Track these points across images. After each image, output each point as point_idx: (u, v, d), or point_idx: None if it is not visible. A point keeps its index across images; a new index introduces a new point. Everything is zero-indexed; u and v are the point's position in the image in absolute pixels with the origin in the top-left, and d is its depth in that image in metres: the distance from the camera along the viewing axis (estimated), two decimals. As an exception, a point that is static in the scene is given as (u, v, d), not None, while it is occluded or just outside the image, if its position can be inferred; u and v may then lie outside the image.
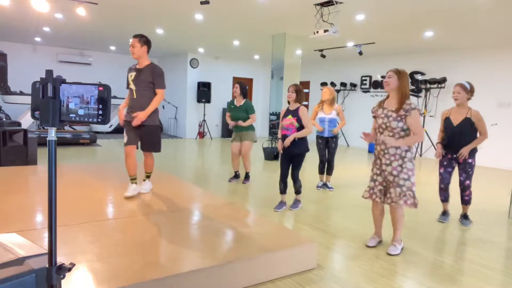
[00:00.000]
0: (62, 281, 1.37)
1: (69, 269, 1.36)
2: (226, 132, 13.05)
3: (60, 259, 2.29)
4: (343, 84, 11.92)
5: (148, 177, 4.27)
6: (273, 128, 9.42)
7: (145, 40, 3.89)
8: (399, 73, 3.15)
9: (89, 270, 2.22)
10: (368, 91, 11.40)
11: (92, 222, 3.11)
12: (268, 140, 9.71)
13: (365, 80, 11.46)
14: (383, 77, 10.99)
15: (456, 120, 4.05)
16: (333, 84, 12.20)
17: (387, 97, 3.28)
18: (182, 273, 2.25)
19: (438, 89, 9.57)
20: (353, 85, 11.78)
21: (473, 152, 4.00)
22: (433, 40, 8.30)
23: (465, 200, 4.15)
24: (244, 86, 5.58)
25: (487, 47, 8.72)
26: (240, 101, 5.56)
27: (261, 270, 2.58)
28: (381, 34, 7.88)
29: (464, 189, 4.09)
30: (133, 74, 3.91)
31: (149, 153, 4.12)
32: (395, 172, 3.15)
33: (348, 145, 11.97)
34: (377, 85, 11.11)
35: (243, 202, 4.69)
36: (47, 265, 1.34)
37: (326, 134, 5.39)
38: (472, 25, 6.74)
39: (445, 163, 4.17)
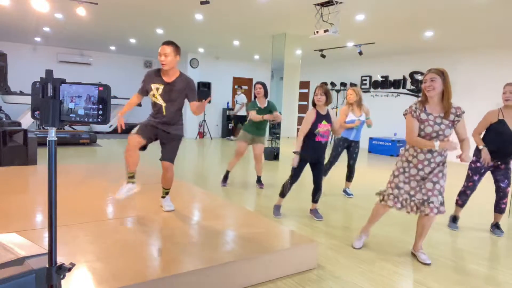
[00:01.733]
0: (62, 281, 1.37)
1: (69, 269, 1.35)
2: (226, 132, 13.05)
3: (60, 259, 2.29)
4: (343, 84, 11.92)
5: (167, 193, 3.65)
6: (273, 128, 9.42)
7: (179, 49, 3.32)
8: (443, 74, 2.81)
9: (89, 270, 2.22)
10: (368, 91, 11.40)
11: (92, 222, 3.11)
12: (268, 140, 9.70)
13: (365, 80, 11.46)
14: (383, 77, 11.00)
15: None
16: (333, 84, 12.20)
17: (426, 99, 2.92)
18: (182, 273, 2.25)
19: (438, 89, 9.57)
20: (353, 85, 11.78)
21: (510, 155, 3.68)
22: (433, 40, 8.29)
23: (502, 209, 3.83)
24: (266, 86, 5.30)
25: (487, 47, 8.72)
26: (263, 102, 5.22)
27: (261, 270, 2.58)
28: (381, 34, 7.88)
29: (503, 196, 3.78)
30: (161, 87, 3.32)
31: (170, 165, 3.45)
32: (435, 179, 2.93)
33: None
34: (377, 85, 11.12)
35: (243, 202, 4.69)
36: (47, 265, 1.34)
37: (351, 137, 5.04)
38: (472, 25, 6.74)
39: (482, 170, 3.81)
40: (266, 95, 5.24)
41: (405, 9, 5.96)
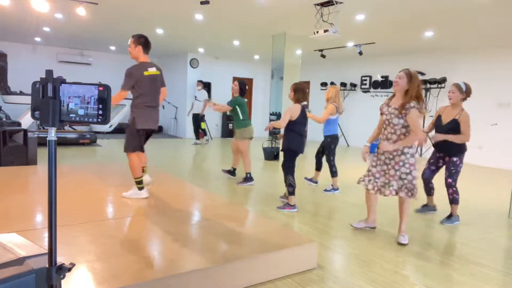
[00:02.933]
0: (62, 281, 1.37)
1: (69, 269, 1.35)
2: (226, 132, 13.04)
3: (60, 259, 2.29)
4: (343, 84, 11.91)
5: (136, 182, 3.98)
6: (273, 128, 9.40)
7: (139, 40, 3.72)
8: (410, 75, 3.23)
9: (89, 270, 2.22)
10: (368, 91, 11.39)
11: (92, 222, 3.11)
12: (268, 140, 9.70)
13: (365, 80, 11.45)
14: (383, 77, 10.99)
15: (445, 120, 4.07)
16: (333, 84, 12.18)
17: (394, 95, 3.39)
18: (182, 273, 2.25)
19: (438, 89, 9.56)
20: (353, 85, 11.78)
21: (458, 151, 3.99)
22: (433, 40, 8.30)
23: (449, 199, 4.13)
24: (243, 85, 5.59)
25: (487, 47, 8.72)
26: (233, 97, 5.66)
27: (261, 270, 2.58)
28: (381, 34, 7.88)
29: (447, 188, 4.08)
30: None
31: (125, 152, 3.84)
32: (396, 167, 3.32)
33: (348, 145, 11.96)
34: (377, 85, 11.11)
35: (243, 202, 4.69)
36: (47, 265, 1.34)
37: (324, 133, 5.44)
38: (472, 25, 6.74)
39: (431, 160, 4.28)
40: (241, 93, 5.56)
41: (405, 9, 5.96)
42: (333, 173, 5.35)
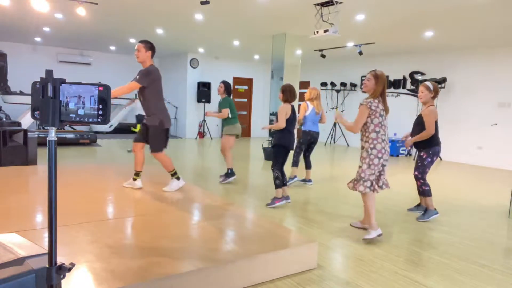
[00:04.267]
0: (62, 281, 1.37)
1: (69, 269, 1.35)
2: (226, 132, 13.04)
3: (60, 259, 2.29)
4: (343, 84, 11.91)
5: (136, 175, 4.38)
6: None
7: (150, 46, 4.08)
8: (377, 76, 3.43)
9: (89, 270, 2.22)
10: (368, 91, 11.38)
11: (92, 222, 3.11)
12: (268, 140, 9.70)
13: (365, 80, 11.44)
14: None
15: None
16: (333, 84, 12.19)
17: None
18: (182, 273, 2.25)
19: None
20: (353, 85, 11.77)
21: (426, 146, 4.22)
22: (433, 40, 8.30)
23: (418, 191, 4.36)
24: (227, 84, 5.70)
25: (487, 47, 8.72)
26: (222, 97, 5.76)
27: (261, 270, 2.58)
28: (381, 34, 7.88)
29: (415, 180, 4.34)
30: None
31: (154, 154, 4.24)
32: (360, 162, 3.55)
33: (348, 145, 11.97)
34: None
35: (243, 202, 4.69)
36: (47, 265, 1.34)
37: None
38: (472, 25, 6.74)
39: (416, 159, 4.46)
40: (226, 92, 5.68)
41: (405, 9, 5.96)
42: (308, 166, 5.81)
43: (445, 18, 6.39)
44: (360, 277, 2.74)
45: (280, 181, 4.45)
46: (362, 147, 3.53)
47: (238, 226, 3.17)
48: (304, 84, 13.36)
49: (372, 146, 3.43)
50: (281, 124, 4.34)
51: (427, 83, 4.27)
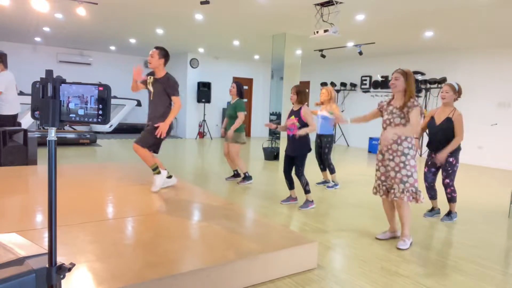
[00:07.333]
0: (62, 281, 1.37)
1: (69, 269, 1.35)
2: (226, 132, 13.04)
3: (60, 259, 2.29)
4: (343, 84, 11.91)
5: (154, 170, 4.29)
6: (275, 128, 9.39)
7: (164, 54, 4.16)
8: (405, 74, 3.23)
9: (89, 270, 2.22)
10: (368, 91, 11.39)
11: (92, 222, 3.11)
12: (268, 140, 9.70)
13: (365, 80, 11.45)
14: (383, 77, 11.00)
15: (438, 120, 4.11)
16: (333, 84, 12.19)
17: (393, 97, 3.37)
18: (182, 273, 2.25)
19: (438, 89, 9.56)
20: (353, 85, 11.77)
21: (453, 151, 4.02)
22: (433, 40, 8.30)
23: (448, 198, 4.22)
24: (240, 86, 5.63)
25: (487, 47, 8.72)
26: (233, 100, 5.63)
27: (261, 270, 2.58)
28: (381, 34, 7.88)
29: (445, 188, 4.15)
30: (152, 78, 4.21)
31: (135, 146, 4.16)
32: (397, 168, 3.25)
33: (348, 145, 11.97)
34: (377, 85, 11.11)
35: (243, 202, 4.69)
36: (47, 265, 1.34)
37: (318, 132, 5.59)
38: (472, 25, 6.74)
39: (429, 162, 4.26)
40: (239, 94, 5.61)
41: (405, 9, 5.96)
42: (331, 170, 5.69)
43: (445, 18, 6.39)
44: (360, 277, 2.74)
45: (309, 185, 4.49)
46: (403, 153, 3.22)
47: (238, 226, 3.17)
48: (304, 84, 13.36)
49: (414, 153, 3.26)
50: (315, 126, 4.30)
51: (452, 83, 4.04)
